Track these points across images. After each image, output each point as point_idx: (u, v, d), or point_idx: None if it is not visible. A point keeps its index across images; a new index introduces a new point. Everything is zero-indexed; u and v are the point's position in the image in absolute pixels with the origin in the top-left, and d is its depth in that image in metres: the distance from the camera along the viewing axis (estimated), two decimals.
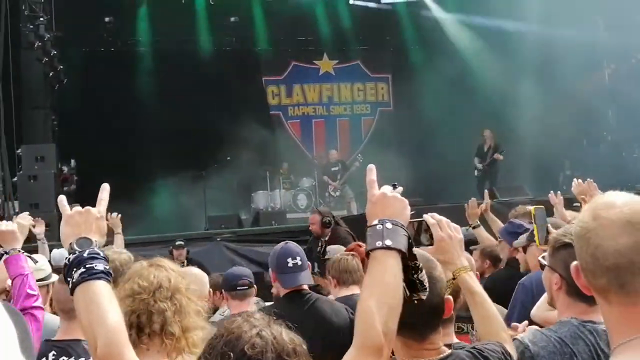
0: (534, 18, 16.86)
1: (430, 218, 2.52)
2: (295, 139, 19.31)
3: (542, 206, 3.72)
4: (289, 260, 4.02)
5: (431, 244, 2.47)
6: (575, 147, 17.60)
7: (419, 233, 2.48)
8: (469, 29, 18.20)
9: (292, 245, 4.19)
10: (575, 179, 5.38)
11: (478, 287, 2.53)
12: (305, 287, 4.10)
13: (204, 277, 4.18)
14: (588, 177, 16.79)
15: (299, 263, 4.04)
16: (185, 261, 9.54)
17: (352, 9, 18.74)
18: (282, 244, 4.20)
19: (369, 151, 18.21)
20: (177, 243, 10.40)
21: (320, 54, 19.70)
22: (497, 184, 14.79)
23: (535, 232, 3.57)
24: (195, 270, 4.22)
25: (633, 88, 15.16)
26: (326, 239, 8.30)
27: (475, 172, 16.15)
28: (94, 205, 2.38)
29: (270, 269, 4.16)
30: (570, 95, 15.85)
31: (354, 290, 4.61)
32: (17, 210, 11.69)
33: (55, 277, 4.14)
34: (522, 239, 4.56)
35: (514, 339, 2.54)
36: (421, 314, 2.13)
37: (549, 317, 3.20)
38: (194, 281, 3.61)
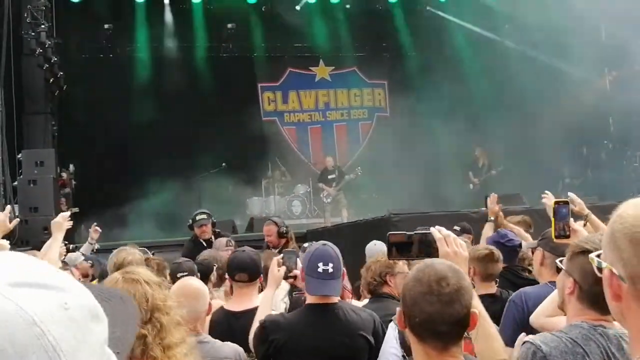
0: (533, 25, 16.93)
1: (437, 232, 2.52)
2: (291, 145, 19.38)
3: (567, 200, 3.61)
4: (320, 264, 3.60)
5: (434, 257, 2.45)
6: (575, 155, 17.62)
7: (423, 245, 2.50)
8: (467, 36, 18.33)
9: (330, 248, 3.74)
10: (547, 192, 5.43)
11: (480, 306, 2.50)
12: (335, 299, 3.72)
13: (204, 290, 3.79)
14: (587, 185, 16.69)
15: (330, 270, 3.61)
16: (213, 236, 8.28)
17: (349, 15, 18.91)
18: (319, 244, 3.79)
19: (368, 156, 18.42)
20: (198, 218, 8.41)
21: (317, 61, 19.78)
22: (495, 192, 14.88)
23: (552, 227, 3.51)
24: (195, 282, 3.91)
25: (634, 95, 15.06)
26: (278, 250, 7.69)
27: (471, 186, 16.40)
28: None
29: (301, 267, 3.83)
30: (571, 102, 15.83)
31: None
32: (17, 214, 11.91)
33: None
34: (534, 241, 4.41)
35: (524, 342, 2.53)
36: (447, 323, 2.16)
37: (546, 323, 3.26)
38: (193, 295, 3.55)
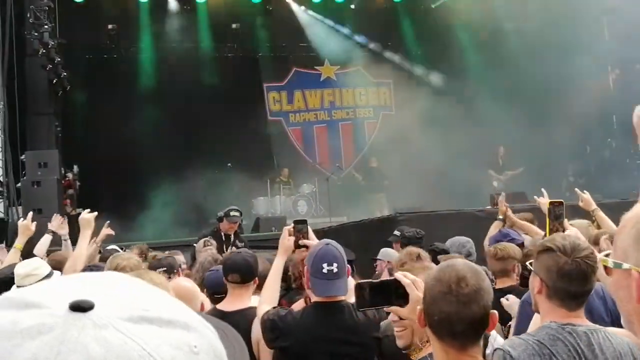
0: (538, 24, 16.87)
1: (404, 278, 2.50)
2: (296, 145, 19.37)
3: (562, 201, 3.62)
4: (324, 265, 3.58)
5: (404, 304, 2.48)
6: (579, 154, 17.67)
7: (391, 292, 2.48)
8: (472, 35, 18.22)
9: (333, 248, 3.69)
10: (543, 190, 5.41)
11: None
12: (341, 297, 3.70)
13: (195, 290, 3.95)
14: (591, 183, 16.64)
15: (335, 270, 3.59)
16: (232, 235, 8.65)
17: (353, 15, 18.87)
18: (323, 243, 3.73)
19: (374, 154, 18.39)
20: (232, 214, 8.57)
21: (322, 60, 19.76)
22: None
23: (546, 228, 3.56)
24: (185, 283, 4.04)
25: (638, 94, 15.01)
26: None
27: (495, 184, 16.30)
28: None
29: (306, 268, 3.79)
30: (575, 101, 15.74)
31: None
32: (20, 215, 11.86)
33: (58, 274, 4.39)
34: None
35: (495, 350, 2.56)
36: (464, 324, 2.17)
37: None
38: (188, 297, 3.69)
